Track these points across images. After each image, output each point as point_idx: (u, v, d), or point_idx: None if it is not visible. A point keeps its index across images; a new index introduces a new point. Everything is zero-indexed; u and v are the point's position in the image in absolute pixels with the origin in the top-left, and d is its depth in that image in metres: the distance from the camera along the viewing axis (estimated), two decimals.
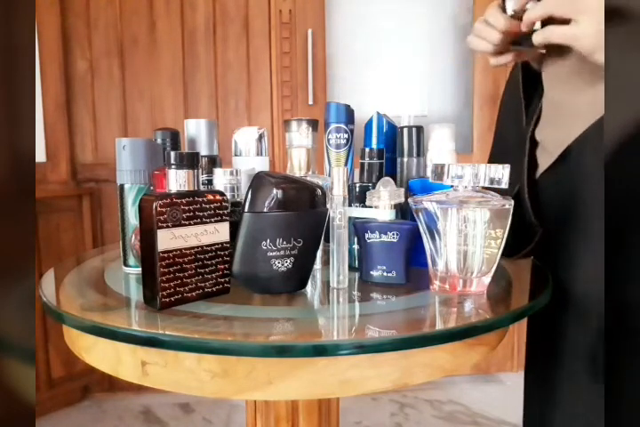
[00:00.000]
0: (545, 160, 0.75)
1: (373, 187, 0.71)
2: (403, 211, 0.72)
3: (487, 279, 0.63)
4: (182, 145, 0.84)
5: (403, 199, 0.69)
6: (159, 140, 0.81)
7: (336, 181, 0.64)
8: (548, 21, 0.63)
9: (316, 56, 1.86)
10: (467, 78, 1.98)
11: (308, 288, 0.65)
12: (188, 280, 0.57)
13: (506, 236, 0.61)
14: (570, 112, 0.70)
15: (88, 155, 1.92)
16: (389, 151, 0.81)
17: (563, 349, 0.72)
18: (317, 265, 0.71)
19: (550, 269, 0.74)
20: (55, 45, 1.81)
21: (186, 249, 0.56)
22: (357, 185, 0.74)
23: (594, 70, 0.64)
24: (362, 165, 0.76)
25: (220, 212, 0.59)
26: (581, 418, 0.70)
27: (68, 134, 1.87)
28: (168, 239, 0.54)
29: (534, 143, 0.77)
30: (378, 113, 0.84)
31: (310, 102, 1.87)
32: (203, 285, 0.58)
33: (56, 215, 1.78)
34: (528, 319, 0.80)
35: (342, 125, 0.81)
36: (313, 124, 0.81)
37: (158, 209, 0.53)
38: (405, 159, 0.78)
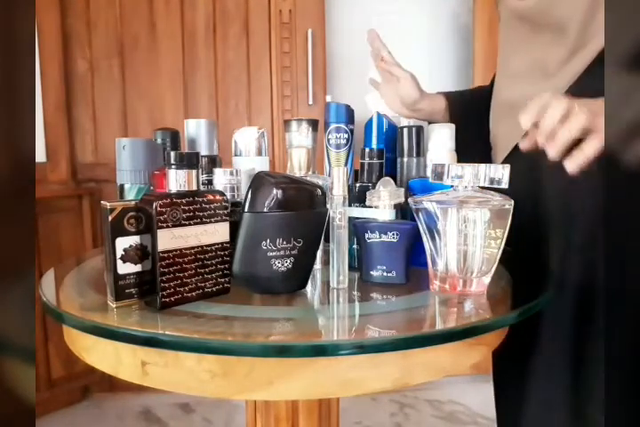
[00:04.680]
0: (497, 155, 0.83)
1: (373, 187, 0.71)
2: (403, 211, 0.72)
3: (487, 279, 0.63)
4: (182, 145, 0.84)
5: (403, 199, 0.69)
6: (159, 141, 0.81)
7: (336, 181, 0.64)
8: None
9: (316, 56, 1.86)
10: (467, 78, 1.98)
11: (308, 288, 0.65)
12: (188, 280, 0.57)
13: (506, 236, 0.61)
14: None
15: (88, 155, 1.92)
16: (389, 151, 0.81)
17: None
18: (317, 265, 0.71)
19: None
20: (55, 45, 1.81)
21: (186, 249, 0.56)
22: (357, 185, 0.74)
23: (544, 69, 0.70)
24: (362, 165, 0.76)
25: (220, 212, 0.59)
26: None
27: (68, 134, 1.87)
28: (168, 239, 0.54)
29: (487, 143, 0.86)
30: (378, 113, 0.84)
31: (310, 102, 1.87)
32: (203, 285, 0.58)
33: (56, 215, 1.78)
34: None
35: (342, 125, 0.81)
36: (313, 124, 0.81)
37: (158, 209, 0.53)
38: (405, 159, 0.78)
